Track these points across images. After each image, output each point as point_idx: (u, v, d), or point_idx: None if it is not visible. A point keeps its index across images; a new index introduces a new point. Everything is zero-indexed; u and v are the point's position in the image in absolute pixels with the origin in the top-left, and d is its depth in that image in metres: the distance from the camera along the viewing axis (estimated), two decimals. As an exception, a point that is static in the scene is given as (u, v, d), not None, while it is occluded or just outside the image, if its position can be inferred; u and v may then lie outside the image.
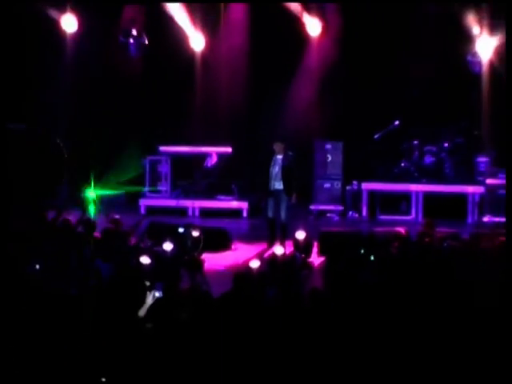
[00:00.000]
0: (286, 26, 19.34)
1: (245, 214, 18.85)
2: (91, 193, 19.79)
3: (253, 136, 19.40)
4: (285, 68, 19.50)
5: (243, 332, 7.73)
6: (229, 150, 19.38)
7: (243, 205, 18.87)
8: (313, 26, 19.55)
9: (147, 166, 19.32)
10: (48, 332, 7.75)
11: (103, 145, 19.64)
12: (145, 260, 11.00)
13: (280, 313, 8.32)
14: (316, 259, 14.03)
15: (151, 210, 18.87)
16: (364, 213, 18.62)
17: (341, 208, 18.83)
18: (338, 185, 18.92)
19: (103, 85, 19.66)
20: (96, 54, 19.67)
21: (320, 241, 14.80)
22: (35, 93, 19.58)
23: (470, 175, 18.73)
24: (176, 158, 19.47)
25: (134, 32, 19.64)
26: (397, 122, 19.02)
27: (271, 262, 11.53)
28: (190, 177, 19.60)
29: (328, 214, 18.81)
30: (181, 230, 13.46)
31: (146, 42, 19.73)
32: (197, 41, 20.07)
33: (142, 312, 8.53)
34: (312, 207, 18.89)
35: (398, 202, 18.59)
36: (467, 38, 18.88)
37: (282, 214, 15.57)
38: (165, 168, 19.31)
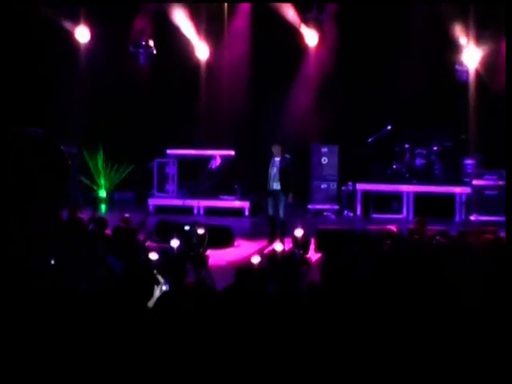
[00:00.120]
0: (285, 37, 19.35)
1: (246, 213, 18.83)
2: (103, 193, 19.81)
3: (254, 140, 19.38)
4: (284, 76, 19.50)
5: (245, 323, 7.70)
6: (232, 152, 19.37)
7: (245, 204, 18.86)
8: (310, 36, 19.54)
9: (155, 167, 19.30)
10: (62, 322, 7.72)
11: (114, 148, 19.64)
12: (153, 256, 10.99)
13: (280, 305, 8.29)
14: (313, 255, 14.02)
15: (159, 209, 18.85)
16: (358, 212, 18.60)
17: (336, 207, 18.81)
18: (333, 185, 18.89)
19: (114, 92, 19.67)
20: (107, 63, 19.66)
21: (317, 238, 14.79)
22: (51, 99, 19.57)
23: (457, 176, 18.71)
24: (182, 161, 19.45)
25: (143, 42, 19.63)
26: (389, 127, 19.01)
27: (271, 258, 11.50)
28: (196, 178, 19.59)
29: (324, 213, 18.79)
30: (187, 227, 13.44)
31: (155, 52, 19.72)
32: (202, 50, 20.07)
33: (150, 304, 8.51)
34: (309, 206, 18.87)
35: (390, 202, 18.57)
36: (455, 49, 18.88)
37: (281, 213, 15.57)
38: (172, 170, 19.29)
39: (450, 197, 18.21)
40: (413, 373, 7.23)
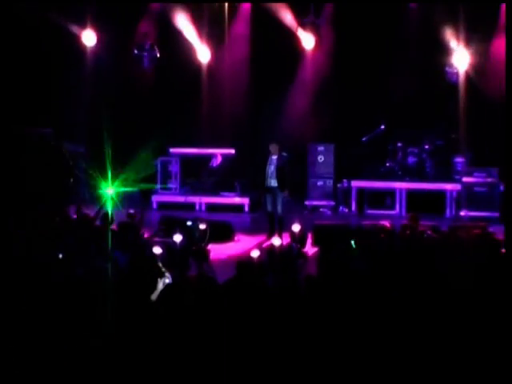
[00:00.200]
0: (283, 41, 19.34)
1: (246, 209, 18.84)
2: (109, 190, 19.79)
3: (253, 139, 19.38)
4: (282, 78, 19.50)
5: (245, 314, 7.71)
6: (232, 151, 19.38)
7: (245, 200, 18.86)
8: (307, 40, 19.53)
9: (159, 165, 19.31)
10: (71, 313, 7.74)
11: (119, 147, 19.61)
12: (157, 250, 10.99)
13: (278, 297, 8.30)
14: (310, 249, 14.01)
15: (162, 206, 18.85)
16: (353, 208, 18.60)
17: (332, 203, 18.82)
18: (329, 183, 18.90)
19: (119, 93, 19.66)
20: (113, 66, 19.67)
21: (314, 233, 14.79)
22: (60, 100, 19.58)
23: (448, 174, 18.71)
24: (185, 159, 19.46)
25: (147, 46, 19.62)
26: (382, 126, 19.02)
27: (270, 252, 11.51)
28: (197, 175, 19.59)
29: (321, 209, 18.80)
30: (189, 223, 13.44)
31: (158, 55, 19.71)
32: (203, 53, 20.07)
33: (154, 296, 8.51)
34: (306, 203, 18.88)
35: (384, 198, 18.57)
36: (445, 52, 18.87)
37: (278, 209, 15.58)
38: (175, 168, 19.30)
39: (441, 193, 18.22)
40: (406, 362, 7.25)
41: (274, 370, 7.16)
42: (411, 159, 18.86)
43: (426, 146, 18.82)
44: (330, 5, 19.47)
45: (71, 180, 18.27)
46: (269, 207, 15.75)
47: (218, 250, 14.01)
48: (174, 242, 11.88)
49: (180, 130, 19.78)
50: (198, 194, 19.12)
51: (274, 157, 15.63)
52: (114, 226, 12.97)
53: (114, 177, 19.73)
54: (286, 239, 13.48)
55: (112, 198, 19.40)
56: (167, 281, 9.02)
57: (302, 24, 19.44)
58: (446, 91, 19.02)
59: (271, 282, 9.50)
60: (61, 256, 10.42)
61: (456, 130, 18.94)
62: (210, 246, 13.33)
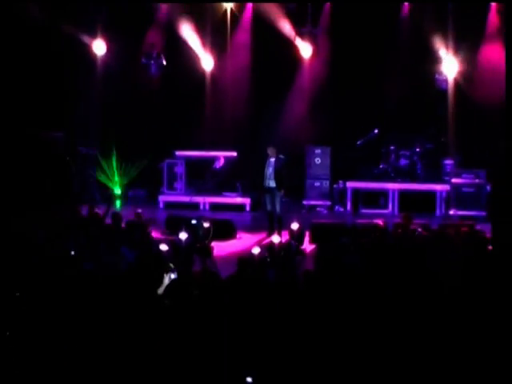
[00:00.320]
0: (282, 50, 19.32)
1: (247, 208, 18.81)
2: (118, 190, 19.80)
3: (254, 142, 19.34)
4: (281, 85, 19.47)
5: (246, 307, 7.71)
6: (234, 154, 19.36)
7: (246, 200, 18.84)
8: (305, 49, 19.52)
9: (165, 167, 19.29)
10: (83, 306, 7.74)
11: (128, 149, 19.64)
12: (163, 247, 10.98)
13: (278, 291, 8.29)
14: (308, 246, 14.01)
15: (169, 205, 18.84)
16: (348, 207, 18.57)
17: (329, 203, 18.79)
18: (326, 183, 18.86)
19: (128, 99, 19.65)
20: (122, 73, 19.65)
21: (311, 231, 14.77)
22: (72, 106, 19.59)
23: (437, 175, 18.69)
24: (189, 161, 19.44)
25: (154, 55, 19.61)
26: (376, 131, 18.98)
27: (270, 249, 11.50)
28: (202, 177, 19.57)
29: (318, 208, 18.76)
30: (193, 221, 13.43)
31: (164, 63, 19.70)
32: (207, 62, 20.06)
33: (160, 290, 8.51)
34: (304, 202, 18.85)
35: (377, 198, 18.54)
36: (435, 60, 18.86)
37: (277, 208, 15.59)
38: (180, 169, 19.27)
39: (431, 194, 18.19)
40: (400, 352, 7.24)
41: (273, 359, 7.15)
42: (403, 161, 18.84)
43: (417, 149, 18.79)
44: (327, 15, 19.45)
45: (71, 181, 18.28)
46: (268, 207, 15.76)
47: (220, 247, 14.00)
48: (180, 240, 11.87)
49: (185, 134, 19.76)
50: (201, 194, 19.09)
51: (272, 159, 15.67)
52: (122, 225, 12.97)
53: (123, 177, 19.80)
54: (285, 237, 13.47)
55: (120, 198, 19.44)
56: (173, 276, 9.02)
57: (300, 34, 19.42)
58: (436, 97, 19.00)
59: (271, 277, 9.49)
60: (72, 253, 10.42)
61: (445, 134, 18.93)
62: (214, 243, 13.32)
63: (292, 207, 17.95)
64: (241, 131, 19.50)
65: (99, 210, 13.59)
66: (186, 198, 19.00)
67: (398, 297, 8.09)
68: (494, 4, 18.59)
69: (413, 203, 17.33)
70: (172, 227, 14.56)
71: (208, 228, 13.31)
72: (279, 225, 15.27)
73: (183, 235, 11.91)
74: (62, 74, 19.21)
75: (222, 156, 19.41)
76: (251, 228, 16.65)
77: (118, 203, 19.10)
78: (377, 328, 7.42)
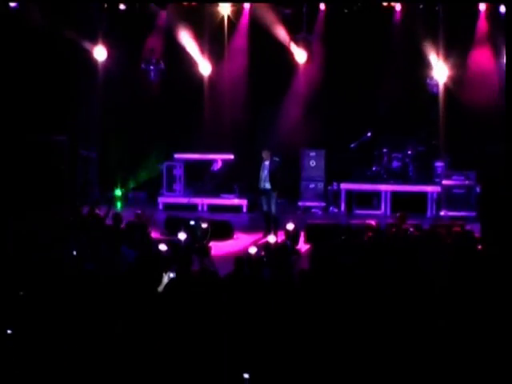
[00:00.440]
0: (278, 56, 19.30)
1: (244, 210, 18.79)
2: (118, 191, 19.78)
3: (251, 145, 19.33)
4: (277, 89, 19.46)
5: (243, 305, 7.70)
6: (231, 156, 19.34)
7: (243, 202, 18.83)
8: (300, 55, 19.52)
9: (164, 170, 19.27)
10: (84, 305, 7.73)
11: (128, 152, 19.63)
12: (162, 247, 10.97)
13: (274, 289, 8.29)
14: (303, 246, 14.01)
15: (168, 207, 18.82)
16: (342, 208, 18.56)
17: (323, 204, 18.78)
18: (320, 185, 18.85)
19: (128, 103, 19.63)
20: (122, 78, 19.61)
21: (306, 231, 14.77)
22: (74, 110, 19.56)
23: (429, 177, 18.69)
24: (188, 164, 19.41)
25: (154, 60, 19.58)
26: (369, 134, 18.99)
27: (266, 249, 11.49)
28: (200, 179, 19.56)
29: (313, 209, 18.75)
30: (192, 222, 13.42)
31: (163, 68, 19.68)
32: (205, 67, 20.04)
33: (160, 289, 8.50)
34: (299, 204, 18.84)
35: (370, 199, 18.54)
36: (426, 65, 18.87)
37: (273, 209, 15.62)
38: (179, 172, 19.25)
39: (423, 195, 18.19)
40: (392, 348, 7.24)
41: (269, 356, 7.14)
42: (395, 163, 18.85)
43: (409, 152, 18.81)
44: (321, 22, 19.45)
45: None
46: (264, 208, 15.79)
47: (218, 247, 13.99)
48: (179, 240, 11.87)
49: (184, 137, 19.75)
50: (200, 196, 19.07)
51: (267, 162, 15.75)
52: (122, 225, 12.95)
53: (123, 179, 19.80)
54: (281, 237, 13.46)
55: (121, 199, 19.43)
56: (171, 275, 9.01)
57: (295, 40, 19.41)
58: (428, 101, 19.01)
59: (267, 276, 9.48)
60: (74, 253, 10.40)
61: (436, 137, 18.93)
62: (212, 244, 13.31)
63: (287, 208, 17.94)
64: (238, 134, 19.49)
65: (100, 211, 13.56)
66: (184, 200, 18.98)
67: (392, 295, 8.09)
68: (483, 10, 18.62)
69: (405, 204, 17.30)
70: (171, 228, 14.55)
71: (206, 228, 13.30)
72: (275, 225, 15.27)
73: (182, 236, 11.91)
74: (63, 78, 19.16)
75: (219, 159, 19.40)
76: (248, 228, 16.64)
77: (118, 204, 19.08)
78: (371, 326, 7.42)
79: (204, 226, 13.32)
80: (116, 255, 10.50)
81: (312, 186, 18.88)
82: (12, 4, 18.84)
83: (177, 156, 19.50)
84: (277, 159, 15.87)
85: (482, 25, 18.62)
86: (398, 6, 18.93)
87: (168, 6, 19.72)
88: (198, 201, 18.96)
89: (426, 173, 18.78)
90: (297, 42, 19.43)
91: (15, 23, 18.68)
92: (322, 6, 19.32)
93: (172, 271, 9.16)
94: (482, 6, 18.57)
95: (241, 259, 9.43)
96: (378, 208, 18.31)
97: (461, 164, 18.15)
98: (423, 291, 8.12)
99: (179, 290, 8.13)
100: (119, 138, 19.66)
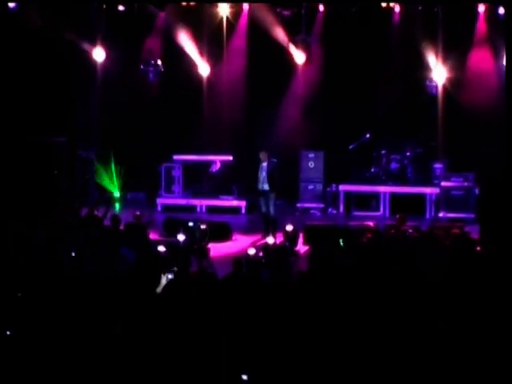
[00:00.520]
0: (277, 56, 19.33)
1: (243, 211, 18.81)
2: (117, 193, 19.79)
3: (250, 146, 19.36)
4: (276, 91, 19.49)
5: (242, 306, 7.72)
6: (230, 158, 19.35)
7: (242, 203, 18.85)
8: (299, 56, 19.54)
9: (163, 171, 19.28)
10: (84, 306, 7.74)
11: (127, 154, 19.65)
12: (161, 248, 10.98)
13: (272, 291, 8.31)
14: (302, 247, 14.03)
15: (167, 208, 18.84)
16: (341, 209, 18.59)
17: (322, 205, 18.81)
18: (319, 186, 18.88)
19: (127, 105, 19.65)
20: (121, 79, 19.64)
21: (305, 232, 14.78)
22: (72, 111, 19.59)
23: (427, 179, 18.72)
24: (187, 165, 19.43)
25: (152, 61, 19.60)
26: (368, 135, 19.02)
27: (265, 250, 11.50)
28: (198, 180, 19.57)
29: (311, 211, 18.78)
30: (191, 224, 13.43)
31: (162, 70, 19.69)
32: (203, 68, 20.07)
33: (158, 290, 8.52)
34: (298, 205, 18.86)
35: (369, 201, 18.56)
36: (425, 67, 18.90)
37: (271, 210, 15.65)
38: (177, 173, 19.26)
39: (421, 196, 18.21)
40: (390, 349, 7.26)
41: (267, 357, 7.16)
42: (394, 165, 18.87)
43: (408, 153, 18.83)
44: (320, 23, 19.49)
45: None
46: (263, 209, 15.82)
47: (217, 248, 13.99)
48: (178, 241, 11.89)
49: (182, 139, 19.77)
50: (198, 197, 19.09)
51: (264, 164, 15.81)
52: (121, 227, 12.97)
53: (122, 180, 19.81)
54: (280, 238, 13.48)
55: (119, 201, 19.44)
56: (170, 276, 9.03)
57: (294, 41, 19.44)
58: (426, 103, 19.05)
59: (266, 277, 9.50)
60: (73, 254, 10.42)
61: (435, 139, 18.97)
62: (210, 245, 13.31)
63: (286, 210, 17.97)
64: (237, 136, 19.52)
65: (98, 212, 13.58)
66: (183, 201, 19.01)
67: (390, 297, 8.11)
68: (482, 11, 18.65)
69: (403, 206, 17.31)
70: (170, 229, 14.57)
71: (205, 230, 13.31)
72: (274, 227, 15.29)
73: (181, 237, 11.93)
74: (62, 80, 19.20)
75: (218, 160, 19.41)
76: (247, 230, 16.67)
77: (117, 206, 19.10)
78: (370, 328, 7.44)
79: (203, 227, 13.33)
80: (115, 256, 10.52)
81: (311, 187, 18.90)
82: (11, 5, 18.88)
83: (175, 157, 19.51)
84: (274, 160, 15.92)
85: (481, 26, 18.66)
86: (396, 8, 18.97)
87: (167, 7, 19.76)
88: (196, 202, 18.98)
89: (425, 174, 18.81)
90: (295, 44, 19.45)
91: (14, 24, 18.71)
92: (321, 8, 19.36)
93: (170, 272, 9.18)
94: (481, 8, 18.61)
95: (239, 260, 9.46)
96: (377, 209, 18.34)
97: (459, 165, 18.18)
98: (422, 293, 8.15)
99: (178, 291, 8.15)
100: (118, 139, 19.67)
